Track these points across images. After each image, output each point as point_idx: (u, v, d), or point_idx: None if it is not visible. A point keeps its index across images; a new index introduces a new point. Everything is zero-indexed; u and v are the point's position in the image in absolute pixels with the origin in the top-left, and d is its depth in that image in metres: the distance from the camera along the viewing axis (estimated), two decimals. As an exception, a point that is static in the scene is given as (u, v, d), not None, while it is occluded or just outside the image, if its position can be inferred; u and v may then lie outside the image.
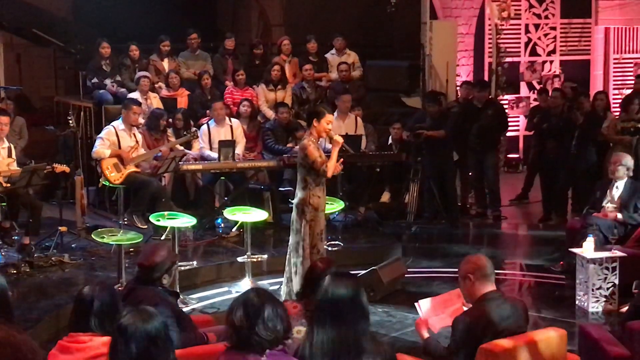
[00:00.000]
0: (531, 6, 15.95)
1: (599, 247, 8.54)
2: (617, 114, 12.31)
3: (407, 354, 5.66)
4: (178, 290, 7.59)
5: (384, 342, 4.29)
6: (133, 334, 3.73)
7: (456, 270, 5.36)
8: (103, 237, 8.71)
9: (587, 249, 8.43)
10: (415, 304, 5.61)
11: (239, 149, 11.44)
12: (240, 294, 4.09)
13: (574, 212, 11.67)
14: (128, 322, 3.77)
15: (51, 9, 15.44)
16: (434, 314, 5.50)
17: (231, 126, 11.50)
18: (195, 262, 9.56)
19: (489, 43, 15.51)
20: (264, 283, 9.32)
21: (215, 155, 11.22)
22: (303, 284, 5.62)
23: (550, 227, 11.70)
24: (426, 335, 5.32)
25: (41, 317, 7.85)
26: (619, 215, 9.07)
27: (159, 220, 8.92)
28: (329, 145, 9.11)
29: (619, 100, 12.98)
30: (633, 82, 14.18)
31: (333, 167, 7.94)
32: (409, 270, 9.49)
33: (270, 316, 3.95)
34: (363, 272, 8.79)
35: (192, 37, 13.24)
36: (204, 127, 11.56)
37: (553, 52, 16.14)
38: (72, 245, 10.17)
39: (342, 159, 8.13)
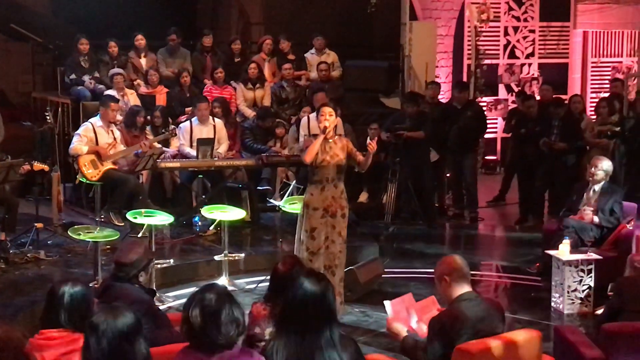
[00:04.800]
0: (510, 9, 16.03)
1: (575, 249, 8.59)
2: (594, 117, 12.40)
3: (384, 355, 5.66)
4: (154, 288, 7.57)
5: (351, 339, 4.29)
6: (104, 332, 3.71)
7: (433, 270, 5.35)
8: (79, 234, 8.66)
9: (563, 251, 8.47)
10: (385, 302, 5.60)
11: (222, 149, 11.42)
12: (200, 291, 4.03)
13: (550, 214, 11.71)
14: (99, 320, 3.76)
15: (30, 4, 15.36)
16: (403, 314, 5.50)
17: (214, 126, 11.46)
18: (172, 260, 9.52)
19: (468, 45, 15.56)
20: (241, 282, 9.32)
21: (194, 152, 11.19)
22: (269, 285, 5.58)
23: (527, 229, 11.74)
24: (404, 333, 5.30)
25: (16, 314, 7.80)
26: (595, 218, 9.11)
27: (136, 218, 8.89)
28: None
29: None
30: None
31: (310, 154, 7.93)
32: (386, 270, 9.50)
33: (225, 320, 3.93)
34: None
35: (171, 38, 13.15)
36: (187, 124, 11.50)
37: (532, 54, 16.21)
38: (48, 242, 10.11)
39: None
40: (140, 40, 12.98)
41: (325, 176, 8.03)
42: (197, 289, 4.09)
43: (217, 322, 3.91)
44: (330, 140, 8.01)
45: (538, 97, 13.20)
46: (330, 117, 7.99)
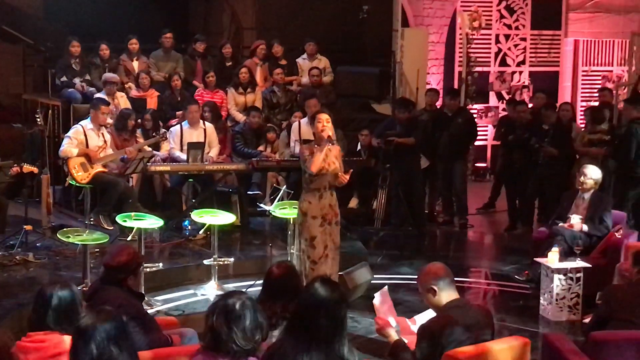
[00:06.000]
0: (502, 17, 16.06)
1: (563, 257, 8.59)
2: (583, 125, 12.44)
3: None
4: (143, 292, 7.55)
5: (355, 351, 4.25)
6: (93, 335, 3.71)
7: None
8: (68, 237, 8.62)
9: (552, 259, 8.48)
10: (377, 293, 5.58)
11: (213, 153, 11.41)
12: (223, 297, 3.98)
13: (539, 222, 11.73)
14: (87, 323, 3.75)
15: (21, 5, 15.31)
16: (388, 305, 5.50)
17: (205, 129, 11.45)
18: (161, 264, 9.49)
19: (460, 52, 15.59)
20: (230, 286, 9.29)
21: (185, 156, 11.18)
22: (262, 289, 5.56)
23: (516, 237, 11.77)
24: (395, 336, 5.26)
25: (4, 316, 7.77)
26: (584, 227, 9.12)
27: (125, 221, 8.86)
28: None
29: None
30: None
31: (317, 164, 7.90)
32: (375, 276, 9.49)
33: (250, 326, 3.88)
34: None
35: (166, 36, 13.18)
36: (177, 127, 11.51)
37: (523, 62, 16.25)
38: (37, 244, 10.07)
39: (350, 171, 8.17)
40: (135, 44, 12.97)
41: (323, 184, 8.05)
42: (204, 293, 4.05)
43: (243, 327, 3.85)
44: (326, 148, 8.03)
45: (530, 105, 13.23)
46: (328, 124, 7.99)
